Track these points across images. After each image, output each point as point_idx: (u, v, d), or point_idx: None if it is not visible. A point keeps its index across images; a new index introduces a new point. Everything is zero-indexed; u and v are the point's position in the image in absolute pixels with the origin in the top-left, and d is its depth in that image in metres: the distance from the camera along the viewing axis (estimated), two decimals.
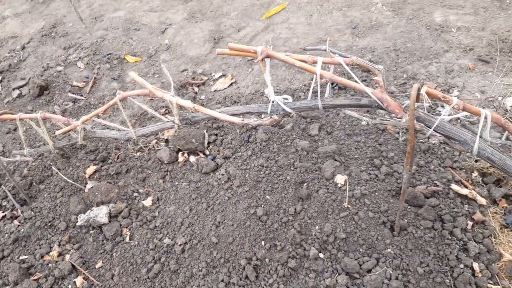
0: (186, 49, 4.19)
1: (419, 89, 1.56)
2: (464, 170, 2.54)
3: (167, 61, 4.10)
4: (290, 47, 3.86)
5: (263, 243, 2.23)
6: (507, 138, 1.74)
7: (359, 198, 2.34)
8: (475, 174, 2.52)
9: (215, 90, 3.58)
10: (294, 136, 2.87)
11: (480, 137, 1.68)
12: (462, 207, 2.32)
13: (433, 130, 1.69)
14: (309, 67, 1.77)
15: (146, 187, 2.74)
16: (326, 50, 1.96)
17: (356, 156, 2.65)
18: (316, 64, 1.76)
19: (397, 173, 2.49)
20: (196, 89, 3.65)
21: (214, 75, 3.78)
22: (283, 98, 2.02)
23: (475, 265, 2.09)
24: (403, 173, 1.87)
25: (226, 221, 2.37)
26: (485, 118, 1.63)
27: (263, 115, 2.21)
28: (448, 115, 1.73)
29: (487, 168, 2.53)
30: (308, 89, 3.25)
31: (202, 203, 2.52)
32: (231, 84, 3.61)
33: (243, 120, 2.05)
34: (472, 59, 3.27)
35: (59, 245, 2.54)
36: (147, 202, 2.62)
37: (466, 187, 2.44)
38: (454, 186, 2.41)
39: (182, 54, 4.14)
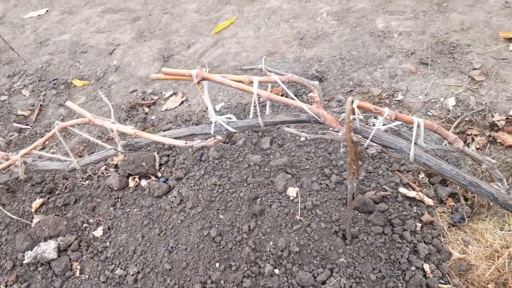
0: (135, 69, 4.12)
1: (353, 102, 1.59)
2: (411, 173, 2.61)
3: (116, 83, 4.01)
4: (240, 61, 3.87)
5: (217, 264, 2.19)
6: (446, 143, 1.79)
7: (311, 209, 2.36)
8: (422, 175, 2.60)
9: (166, 109, 3.53)
10: (246, 151, 2.87)
11: (416, 143, 1.72)
12: (410, 209, 2.37)
13: (370, 140, 1.73)
14: (246, 87, 1.77)
15: (96, 217, 2.65)
16: (262, 69, 1.97)
17: (307, 167, 2.67)
18: (253, 83, 1.76)
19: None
20: (147, 109, 3.59)
21: (164, 94, 3.73)
22: (226, 118, 2.01)
23: (426, 266, 2.14)
24: (347, 183, 1.89)
25: (179, 245, 2.32)
26: (418, 125, 1.67)
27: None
28: (384, 125, 1.77)
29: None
30: (260, 103, 3.27)
31: (155, 228, 2.46)
32: (182, 102, 3.58)
33: (186, 143, 2.02)
34: (414, 62, 3.38)
35: (6, 286, 2.41)
36: (98, 232, 2.53)
37: (414, 189, 2.50)
38: (402, 189, 2.46)
39: (131, 74, 4.07)
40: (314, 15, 4.18)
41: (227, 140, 2.47)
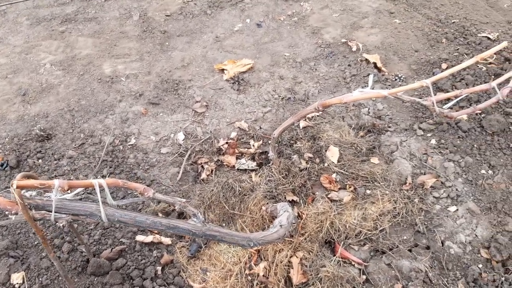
0: None
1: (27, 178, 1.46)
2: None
3: None
4: None
5: None
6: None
7: None
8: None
9: None
10: None
11: (107, 203, 1.70)
12: (150, 255, 2.38)
13: (56, 212, 1.62)
14: None
15: None
16: None
17: (36, 243, 2.39)
18: None
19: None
20: None
21: None
22: None
23: None
24: (52, 260, 1.74)
25: None
26: (101, 186, 1.65)
27: None
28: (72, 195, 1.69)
29: (169, 207, 2.69)
30: None
31: None
32: None
33: None
34: (143, 103, 3.48)
35: None
36: None
37: (152, 232, 2.52)
38: (139, 237, 2.45)
39: None
40: (36, 67, 3.86)
41: None
